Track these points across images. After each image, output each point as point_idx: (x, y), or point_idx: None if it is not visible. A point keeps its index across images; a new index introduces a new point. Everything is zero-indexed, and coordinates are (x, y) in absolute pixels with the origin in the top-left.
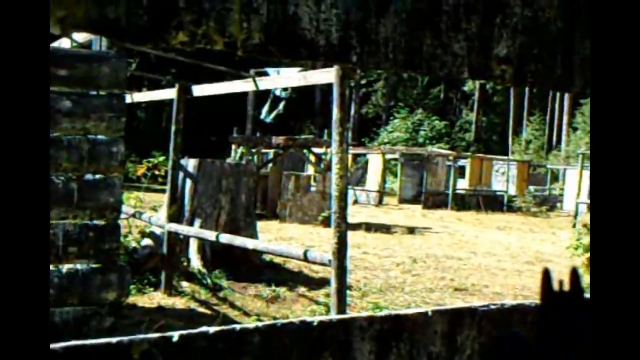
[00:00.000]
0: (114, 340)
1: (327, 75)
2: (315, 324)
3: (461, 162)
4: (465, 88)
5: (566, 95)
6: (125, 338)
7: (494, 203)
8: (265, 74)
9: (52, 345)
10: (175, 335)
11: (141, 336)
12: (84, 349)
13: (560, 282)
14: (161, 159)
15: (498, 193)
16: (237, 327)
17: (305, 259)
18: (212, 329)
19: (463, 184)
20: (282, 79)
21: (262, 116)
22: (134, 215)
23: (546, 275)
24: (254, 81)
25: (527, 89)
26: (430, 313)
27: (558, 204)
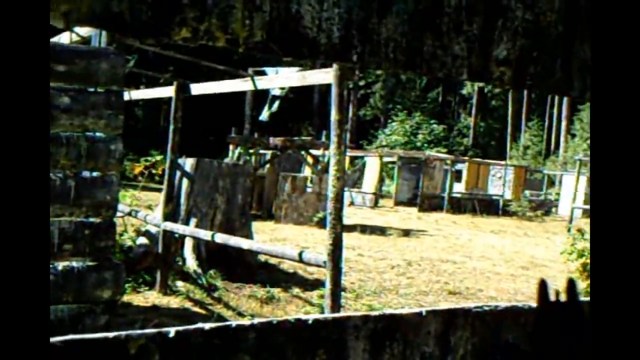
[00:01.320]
0: (111, 335)
1: (325, 76)
2: (310, 322)
3: (458, 167)
4: (464, 91)
5: (565, 102)
6: (122, 333)
7: (489, 207)
8: (264, 73)
9: (51, 339)
10: (172, 330)
11: (138, 331)
12: (82, 343)
13: (557, 292)
14: (159, 158)
15: (494, 197)
16: (233, 324)
17: (300, 260)
18: (207, 325)
19: (459, 188)
20: (281, 78)
21: (261, 116)
22: (129, 214)
23: (542, 285)
24: (252, 80)
25: (525, 94)
26: (424, 313)
27: (553, 209)
